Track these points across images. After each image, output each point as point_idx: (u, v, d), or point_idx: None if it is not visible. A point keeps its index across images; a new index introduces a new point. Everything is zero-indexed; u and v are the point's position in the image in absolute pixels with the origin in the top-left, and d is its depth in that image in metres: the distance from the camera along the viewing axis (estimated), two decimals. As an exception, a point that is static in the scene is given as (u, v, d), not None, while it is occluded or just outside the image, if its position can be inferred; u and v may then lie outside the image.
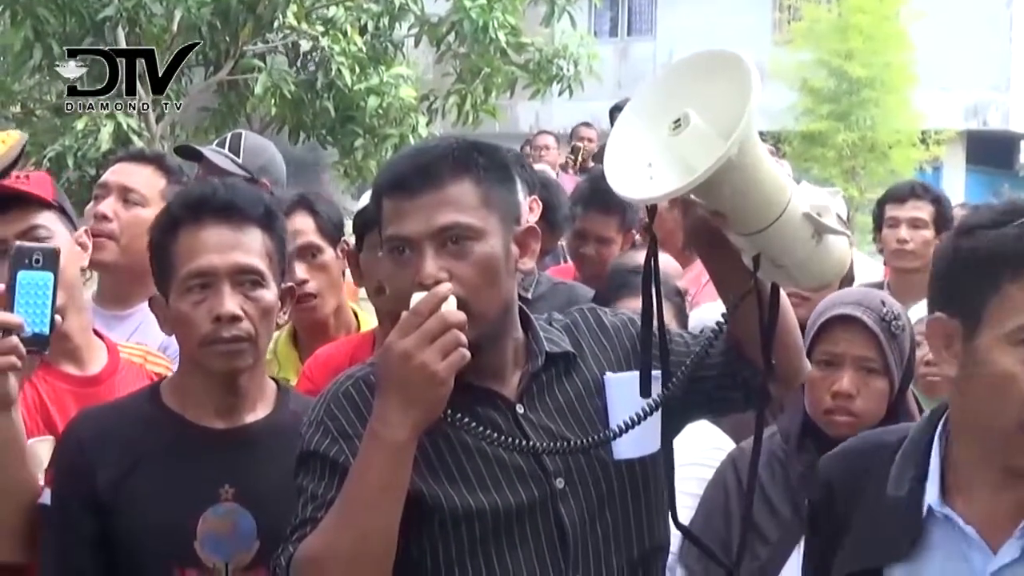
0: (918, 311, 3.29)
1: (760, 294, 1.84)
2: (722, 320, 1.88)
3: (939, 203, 4.43)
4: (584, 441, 1.84)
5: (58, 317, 2.10)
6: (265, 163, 3.92)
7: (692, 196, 1.78)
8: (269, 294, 2.09)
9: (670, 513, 1.95)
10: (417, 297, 1.73)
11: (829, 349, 2.49)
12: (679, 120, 1.73)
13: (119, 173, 3.03)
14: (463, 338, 1.71)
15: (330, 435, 1.82)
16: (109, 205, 2.95)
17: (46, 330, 2.07)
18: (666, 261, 3.51)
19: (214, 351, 2.06)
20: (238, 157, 3.81)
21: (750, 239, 1.79)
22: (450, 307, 1.71)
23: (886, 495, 1.74)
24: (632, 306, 2.23)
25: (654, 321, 1.87)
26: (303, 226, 3.11)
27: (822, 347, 2.49)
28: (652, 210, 1.87)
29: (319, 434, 1.83)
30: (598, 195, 3.94)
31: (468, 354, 1.72)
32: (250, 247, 2.08)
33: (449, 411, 1.76)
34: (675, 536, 2.00)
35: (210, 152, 3.78)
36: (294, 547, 1.76)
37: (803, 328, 2.75)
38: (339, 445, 1.80)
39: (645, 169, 1.74)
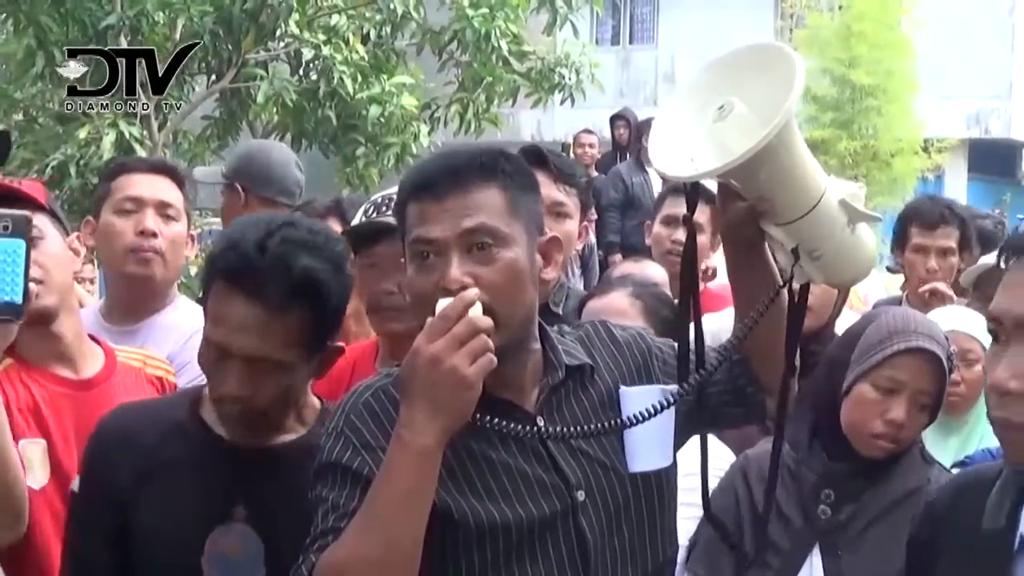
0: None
1: (790, 294, 1.87)
2: (737, 338, 1.86)
3: (964, 225, 4.39)
4: (600, 426, 1.83)
5: (33, 286, 2.04)
6: (240, 165, 3.90)
7: (734, 183, 1.80)
8: (285, 377, 1.99)
9: (703, 503, 2.01)
10: (444, 303, 1.70)
11: (894, 376, 2.43)
12: (723, 107, 1.76)
13: (151, 188, 2.98)
14: (491, 343, 1.68)
15: (351, 446, 1.78)
16: (153, 221, 2.93)
17: (18, 299, 1.98)
18: (655, 270, 3.54)
19: (218, 409, 2.04)
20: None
21: (789, 228, 1.80)
22: (477, 312, 1.69)
23: (981, 529, 1.67)
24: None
25: (691, 314, 1.89)
26: None
27: (887, 372, 2.43)
28: (692, 200, 1.88)
29: (339, 445, 1.79)
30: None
31: (495, 359, 1.69)
32: (269, 333, 1.94)
33: (477, 414, 1.72)
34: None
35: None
36: (316, 556, 1.71)
37: (810, 336, 2.75)
38: (362, 456, 1.76)
39: (687, 152, 1.77)
